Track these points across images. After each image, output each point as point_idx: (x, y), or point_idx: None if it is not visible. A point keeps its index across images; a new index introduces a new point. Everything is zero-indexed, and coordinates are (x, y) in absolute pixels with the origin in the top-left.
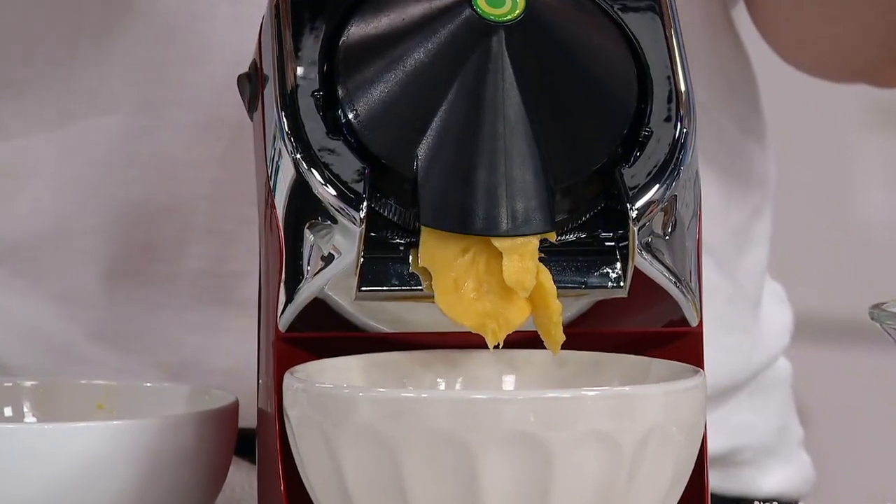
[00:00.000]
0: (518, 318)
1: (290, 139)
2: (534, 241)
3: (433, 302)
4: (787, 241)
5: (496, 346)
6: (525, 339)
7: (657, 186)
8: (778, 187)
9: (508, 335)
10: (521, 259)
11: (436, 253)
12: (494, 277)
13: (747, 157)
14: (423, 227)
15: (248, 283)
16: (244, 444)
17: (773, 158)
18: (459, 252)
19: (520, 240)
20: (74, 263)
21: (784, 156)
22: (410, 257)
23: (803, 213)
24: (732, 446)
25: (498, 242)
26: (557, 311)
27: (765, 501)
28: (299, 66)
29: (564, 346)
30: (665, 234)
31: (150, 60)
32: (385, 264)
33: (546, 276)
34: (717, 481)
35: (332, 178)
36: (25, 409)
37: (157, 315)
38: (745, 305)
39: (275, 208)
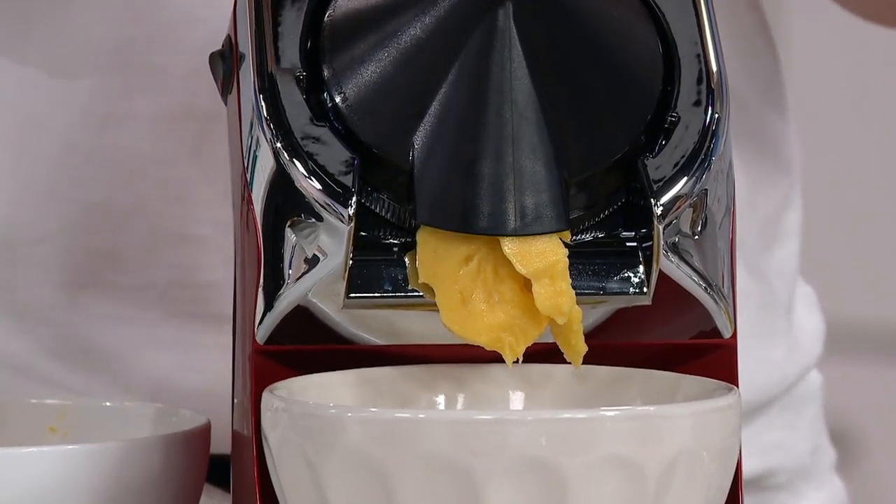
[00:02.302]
0: (537, 328)
1: (269, 125)
2: (563, 259)
3: (432, 310)
4: (816, 237)
5: (515, 362)
6: (542, 352)
7: (685, 179)
8: (806, 175)
9: (526, 349)
10: (552, 282)
11: (436, 263)
12: (505, 284)
13: (772, 135)
14: (420, 227)
15: (225, 294)
16: (218, 471)
17: (797, 137)
18: (463, 260)
19: (543, 256)
20: (28, 275)
21: (814, 139)
22: (408, 269)
23: (834, 205)
24: (766, 468)
25: (522, 266)
26: (577, 318)
27: None
28: (280, 42)
29: (583, 361)
30: (694, 234)
31: (111, 41)
32: (377, 267)
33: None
34: None
35: (316, 170)
36: None
37: (124, 331)
38: (777, 310)
39: (252, 204)
